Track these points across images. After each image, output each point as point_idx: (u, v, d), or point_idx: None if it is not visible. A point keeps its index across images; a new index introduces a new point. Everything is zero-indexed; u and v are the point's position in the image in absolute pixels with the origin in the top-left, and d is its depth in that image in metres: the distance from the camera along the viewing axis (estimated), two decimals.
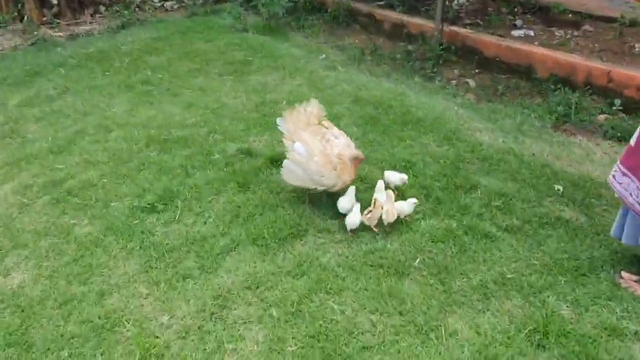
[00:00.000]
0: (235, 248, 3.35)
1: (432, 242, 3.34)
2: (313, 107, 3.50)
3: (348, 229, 3.35)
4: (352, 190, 3.45)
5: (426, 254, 3.26)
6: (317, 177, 3.31)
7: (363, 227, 3.45)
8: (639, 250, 3.12)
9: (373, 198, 3.38)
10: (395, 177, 3.67)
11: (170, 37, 7.41)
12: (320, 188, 3.39)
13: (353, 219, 3.35)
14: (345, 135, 3.51)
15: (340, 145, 3.36)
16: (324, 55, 6.64)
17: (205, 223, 3.57)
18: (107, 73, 6.29)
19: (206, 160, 4.27)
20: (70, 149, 4.59)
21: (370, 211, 3.31)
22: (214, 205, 3.75)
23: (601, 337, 2.71)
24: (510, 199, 3.71)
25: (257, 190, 3.87)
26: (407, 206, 3.46)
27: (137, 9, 8.56)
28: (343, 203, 3.43)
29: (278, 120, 3.57)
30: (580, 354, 2.62)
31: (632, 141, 2.86)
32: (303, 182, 3.41)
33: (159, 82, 5.91)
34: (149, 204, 3.76)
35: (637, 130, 2.84)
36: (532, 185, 3.90)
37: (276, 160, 4.19)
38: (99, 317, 2.93)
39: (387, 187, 3.59)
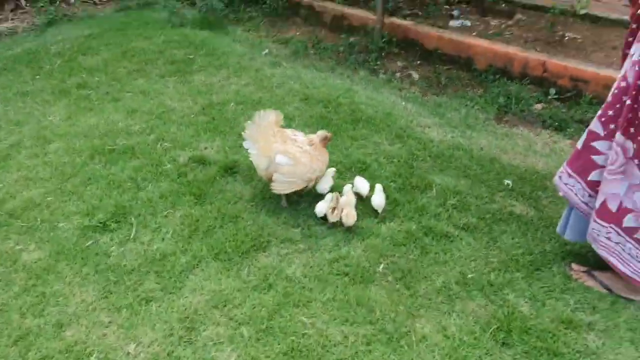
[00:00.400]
0: (197, 265, 3.25)
1: (394, 245, 3.38)
2: (272, 117, 3.46)
3: (318, 216, 3.48)
4: (330, 172, 3.65)
5: (389, 258, 3.29)
6: (310, 174, 3.41)
7: (326, 234, 3.44)
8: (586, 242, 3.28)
9: (334, 195, 3.42)
10: (363, 187, 3.70)
11: (103, 34, 7.04)
12: (311, 184, 3.48)
13: (321, 208, 3.45)
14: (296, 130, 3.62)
15: (300, 140, 3.48)
16: (267, 50, 6.52)
17: (163, 240, 3.44)
18: (37, 77, 5.91)
19: (157, 172, 4.11)
20: (6, 165, 4.30)
21: (334, 208, 3.37)
22: (171, 219, 3.63)
23: (559, 331, 2.85)
24: (465, 197, 3.81)
25: (214, 201, 3.77)
26: (379, 197, 3.56)
27: (62, 3, 8.04)
28: (322, 184, 3.60)
29: (246, 144, 3.54)
30: (541, 350, 2.74)
31: (579, 144, 2.98)
32: (297, 186, 3.44)
33: (96, 86, 5.61)
34: (100, 222, 3.58)
35: (584, 133, 2.96)
36: (483, 181, 4.02)
37: (230, 168, 4.10)
38: (60, 352, 2.78)
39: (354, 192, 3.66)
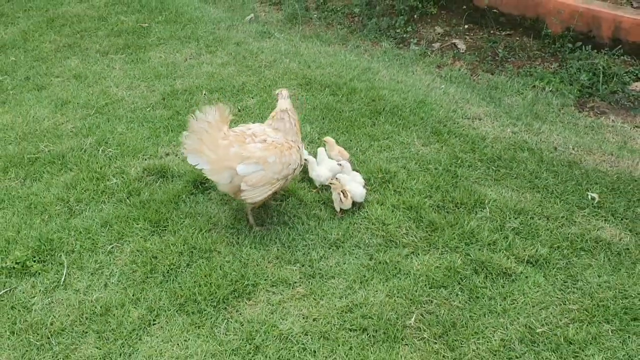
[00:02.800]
0: (155, 320, 3.22)
1: (430, 288, 3.34)
2: (216, 114, 3.52)
3: (316, 183, 3.99)
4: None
5: (424, 306, 3.25)
6: (288, 168, 3.63)
7: (335, 272, 3.43)
8: None
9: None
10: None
11: None
12: (292, 174, 3.70)
13: (322, 172, 3.95)
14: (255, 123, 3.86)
15: (259, 130, 3.68)
16: (252, 15, 6.57)
17: (106, 286, 3.41)
18: None
19: (98, 189, 4.11)
20: None
21: (344, 191, 3.72)
22: (117, 257, 3.61)
23: None
24: (531, 217, 3.78)
25: (179, 229, 3.77)
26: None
27: None
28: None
29: (190, 159, 3.59)
30: None
31: None
32: (276, 188, 3.65)
33: (12, 69, 5.67)
34: (17, 262, 3.55)
35: None
36: (558, 194, 4.00)
37: (202, 183, 4.11)
38: None
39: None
